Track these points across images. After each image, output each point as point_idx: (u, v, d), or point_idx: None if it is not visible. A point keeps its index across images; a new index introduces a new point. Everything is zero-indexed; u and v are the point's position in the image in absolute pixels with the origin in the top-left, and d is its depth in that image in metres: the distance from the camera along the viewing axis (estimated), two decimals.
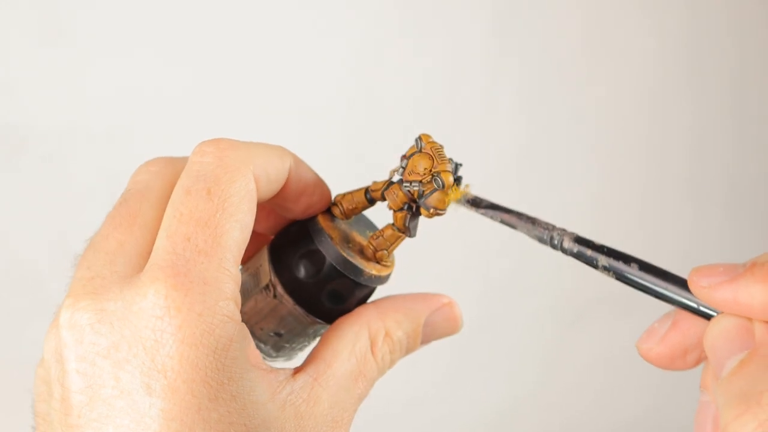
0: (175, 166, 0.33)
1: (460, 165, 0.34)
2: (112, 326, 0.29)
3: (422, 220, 0.35)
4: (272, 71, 0.84)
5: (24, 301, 0.76)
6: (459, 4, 0.93)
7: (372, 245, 0.35)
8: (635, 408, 1.15)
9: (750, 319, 0.26)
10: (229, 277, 0.29)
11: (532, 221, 0.33)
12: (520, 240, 0.35)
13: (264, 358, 0.32)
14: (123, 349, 0.28)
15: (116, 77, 0.77)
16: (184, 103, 0.80)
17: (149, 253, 0.30)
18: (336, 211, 0.36)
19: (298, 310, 0.35)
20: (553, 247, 0.32)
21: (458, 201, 0.34)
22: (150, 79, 0.78)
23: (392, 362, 0.35)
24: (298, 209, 0.36)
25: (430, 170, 0.33)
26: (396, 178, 0.35)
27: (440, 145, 0.34)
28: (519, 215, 0.33)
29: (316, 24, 0.85)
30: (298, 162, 0.34)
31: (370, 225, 0.38)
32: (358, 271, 0.35)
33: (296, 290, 0.35)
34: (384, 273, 0.36)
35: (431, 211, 0.34)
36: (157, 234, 0.30)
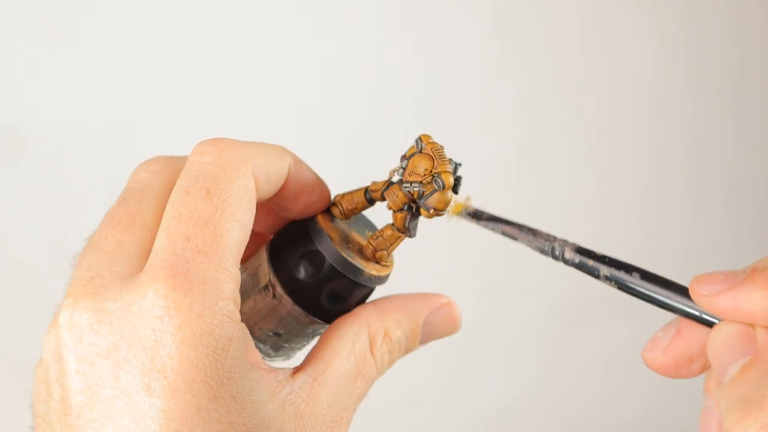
0: (174, 165, 0.33)
1: (459, 165, 0.34)
2: (112, 326, 0.29)
3: (422, 221, 0.35)
4: (272, 71, 0.84)
5: (24, 301, 0.76)
6: (459, 4, 0.93)
7: (371, 245, 0.35)
8: (635, 408, 1.15)
9: (752, 325, 0.27)
10: (229, 277, 0.29)
11: (534, 233, 0.33)
12: None
13: (263, 358, 0.32)
14: (122, 349, 0.28)
15: (116, 77, 0.77)
16: (184, 103, 0.80)
17: (149, 252, 0.30)
18: (335, 211, 0.36)
19: (298, 311, 0.35)
20: (555, 258, 0.32)
21: (459, 214, 0.34)
22: (150, 79, 0.78)
23: (391, 362, 0.35)
24: (297, 209, 0.36)
25: (431, 171, 0.33)
26: (396, 178, 0.35)
27: (440, 146, 0.34)
28: (520, 227, 0.33)
29: (316, 24, 0.85)
30: (297, 161, 0.34)
31: (369, 225, 0.38)
32: (358, 271, 0.35)
33: (296, 290, 0.35)
34: (383, 273, 0.36)
35: (431, 211, 0.34)
36: (156, 234, 0.30)
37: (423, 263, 0.80)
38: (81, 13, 0.74)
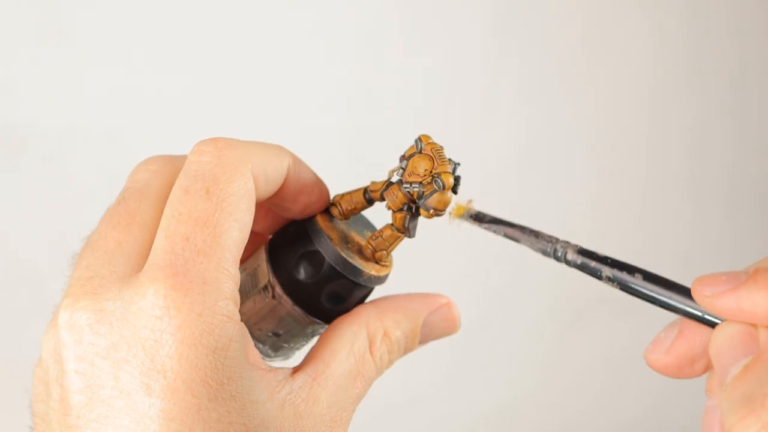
0: (174, 165, 0.33)
1: (459, 164, 0.34)
2: (111, 326, 0.29)
3: (421, 221, 0.35)
4: (272, 71, 0.84)
5: (24, 301, 0.76)
6: (459, 4, 0.93)
7: (371, 245, 0.35)
8: (635, 408, 1.15)
9: (754, 326, 0.27)
10: (229, 277, 0.29)
11: (536, 234, 0.33)
12: None
13: (262, 358, 0.32)
14: (122, 349, 0.28)
15: (116, 77, 0.77)
16: (184, 103, 0.80)
17: (148, 252, 0.30)
18: (335, 211, 0.36)
19: (297, 311, 0.35)
20: (557, 259, 0.32)
21: (461, 217, 0.34)
22: (150, 79, 0.78)
23: (390, 362, 0.35)
24: (296, 209, 0.36)
25: (431, 171, 0.33)
26: (395, 178, 0.35)
27: (440, 146, 0.34)
28: (522, 229, 0.33)
29: (316, 24, 0.85)
30: (296, 161, 0.34)
31: (368, 225, 0.38)
32: (357, 271, 0.35)
33: (295, 291, 0.35)
34: (383, 273, 0.36)
35: (431, 212, 0.34)
36: (156, 233, 0.30)
37: (423, 263, 0.80)
38: (81, 13, 0.74)
